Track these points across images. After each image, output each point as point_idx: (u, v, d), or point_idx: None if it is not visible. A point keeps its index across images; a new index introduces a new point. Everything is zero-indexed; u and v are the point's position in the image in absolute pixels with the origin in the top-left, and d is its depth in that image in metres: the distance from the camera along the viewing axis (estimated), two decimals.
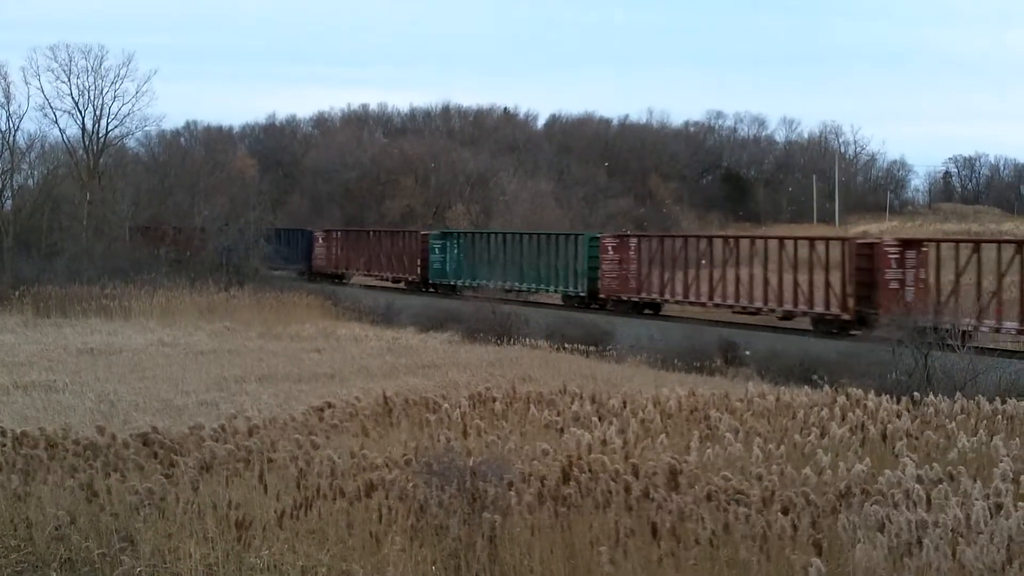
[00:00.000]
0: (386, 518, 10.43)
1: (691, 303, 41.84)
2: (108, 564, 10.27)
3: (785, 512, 9.72)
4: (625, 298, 43.77)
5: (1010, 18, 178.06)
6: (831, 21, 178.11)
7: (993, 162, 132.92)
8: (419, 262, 55.81)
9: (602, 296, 45.24)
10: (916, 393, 16.58)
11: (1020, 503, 9.53)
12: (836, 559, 9.11)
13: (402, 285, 57.18)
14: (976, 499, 9.80)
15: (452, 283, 52.88)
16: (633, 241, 45.19)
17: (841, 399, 16.12)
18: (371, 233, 64.37)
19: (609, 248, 45.26)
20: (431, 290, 54.50)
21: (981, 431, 13.70)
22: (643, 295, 43.43)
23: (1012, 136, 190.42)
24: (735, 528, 9.67)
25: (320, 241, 65.50)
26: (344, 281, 59.99)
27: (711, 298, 40.96)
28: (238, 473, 12.04)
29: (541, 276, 48.58)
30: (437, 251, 54.77)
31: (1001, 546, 8.71)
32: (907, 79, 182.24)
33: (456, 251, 53.70)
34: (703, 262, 41.52)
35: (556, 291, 48.10)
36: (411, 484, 10.99)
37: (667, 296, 42.93)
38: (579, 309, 43.97)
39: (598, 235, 47.59)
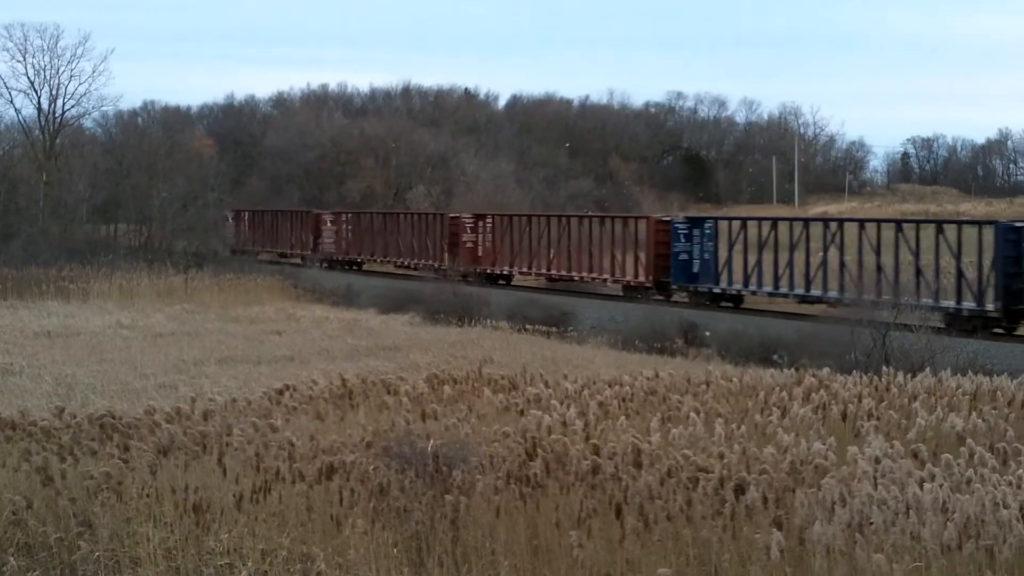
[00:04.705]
0: (346, 501, 10.38)
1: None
2: (66, 549, 10.18)
3: (744, 490, 9.75)
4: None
5: (970, 1, 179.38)
6: (791, 3, 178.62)
7: (951, 143, 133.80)
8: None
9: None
10: (883, 370, 16.74)
11: (976, 484, 9.60)
12: (795, 536, 9.15)
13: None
14: (927, 479, 9.85)
15: None
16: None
17: (808, 379, 16.13)
18: None
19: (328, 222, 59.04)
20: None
21: (939, 409, 13.76)
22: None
23: (969, 118, 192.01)
24: (697, 507, 9.69)
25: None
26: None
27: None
28: (196, 457, 11.96)
29: None
30: None
31: (958, 524, 8.77)
32: (866, 61, 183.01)
33: None
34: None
35: None
36: (371, 467, 10.95)
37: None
38: (540, 291, 44.06)
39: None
